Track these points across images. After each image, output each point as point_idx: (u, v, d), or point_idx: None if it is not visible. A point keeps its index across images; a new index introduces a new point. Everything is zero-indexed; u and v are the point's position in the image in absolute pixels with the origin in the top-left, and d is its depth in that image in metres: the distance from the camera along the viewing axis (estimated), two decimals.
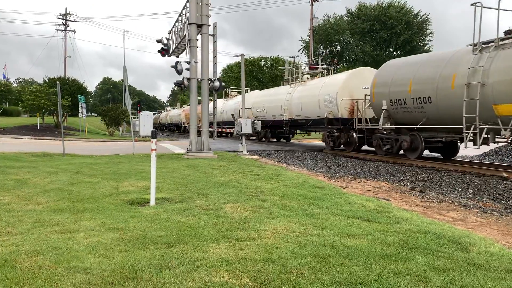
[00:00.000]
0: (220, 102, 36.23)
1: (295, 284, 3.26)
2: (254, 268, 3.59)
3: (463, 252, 4.13)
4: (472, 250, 4.20)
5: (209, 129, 16.26)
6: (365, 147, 17.41)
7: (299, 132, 26.85)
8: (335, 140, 18.73)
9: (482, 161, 14.45)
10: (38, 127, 34.18)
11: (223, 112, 33.67)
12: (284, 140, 28.85)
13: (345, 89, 17.39)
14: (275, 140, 28.72)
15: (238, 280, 3.34)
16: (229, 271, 3.51)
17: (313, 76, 22.88)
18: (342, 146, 18.55)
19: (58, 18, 53.37)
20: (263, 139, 27.95)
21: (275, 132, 27.04)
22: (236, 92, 35.82)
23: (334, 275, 3.45)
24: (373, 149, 16.41)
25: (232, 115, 30.28)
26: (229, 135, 35.86)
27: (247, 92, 32.98)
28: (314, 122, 20.08)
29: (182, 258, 3.81)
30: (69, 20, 53.75)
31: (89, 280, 3.29)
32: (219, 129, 35.54)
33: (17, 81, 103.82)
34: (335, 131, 18.73)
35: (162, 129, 67.57)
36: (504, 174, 10.53)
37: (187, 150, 15.57)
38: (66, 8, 56.19)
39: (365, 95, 16.25)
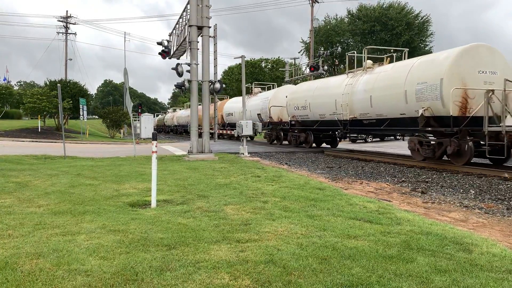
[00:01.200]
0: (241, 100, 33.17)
1: (296, 286, 3.25)
2: (255, 269, 3.58)
3: (465, 253, 4.11)
4: (474, 251, 4.18)
5: (210, 130, 16.28)
6: (475, 160, 13.04)
7: (356, 135, 21.77)
8: (434, 148, 13.41)
9: (483, 162, 14.38)
10: (39, 130, 34.20)
11: (245, 111, 30.45)
12: (329, 146, 23.45)
13: (454, 74, 12.23)
14: (315, 145, 22.95)
15: (239, 282, 3.33)
16: (230, 273, 3.50)
17: (379, 62, 17.79)
18: (445, 156, 13.34)
19: (59, 20, 53.46)
20: (303, 144, 22.61)
21: (320, 135, 22.13)
22: (260, 88, 31.56)
23: (336, 276, 3.43)
24: (489, 161, 12.75)
25: (259, 115, 26.61)
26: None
27: (274, 87, 30.98)
28: (392, 123, 14.87)
29: (183, 260, 3.80)
30: (70, 23, 53.84)
31: (90, 283, 3.28)
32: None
33: (18, 84, 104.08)
34: (431, 135, 13.92)
35: (167, 132, 61.81)
36: (506, 175, 10.50)
37: (188, 152, 15.57)
38: (67, 11, 56.32)
39: (505, 80, 11.30)
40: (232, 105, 34.08)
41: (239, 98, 30.45)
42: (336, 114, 18.10)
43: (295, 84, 28.98)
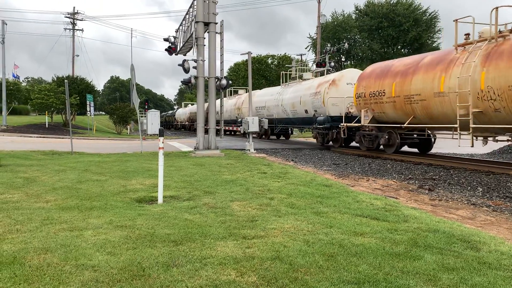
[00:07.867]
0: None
1: (302, 283, 3.25)
2: (261, 266, 3.58)
3: (473, 251, 4.08)
4: (482, 249, 4.15)
5: (216, 127, 16.29)
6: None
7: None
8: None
9: (491, 159, 14.29)
10: (46, 126, 34.43)
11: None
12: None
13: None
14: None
15: (245, 278, 3.33)
16: (236, 269, 3.51)
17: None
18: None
19: (66, 17, 53.58)
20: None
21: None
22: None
23: (342, 273, 3.42)
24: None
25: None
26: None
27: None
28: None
29: (190, 256, 3.80)
30: (77, 19, 53.97)
31: (97, 278, 3.30)
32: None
33: (26, 80, 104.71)
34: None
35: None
36: None
37: (195, 149, 15.60)
38: (74, 7, 56.41)
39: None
40: None
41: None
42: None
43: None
